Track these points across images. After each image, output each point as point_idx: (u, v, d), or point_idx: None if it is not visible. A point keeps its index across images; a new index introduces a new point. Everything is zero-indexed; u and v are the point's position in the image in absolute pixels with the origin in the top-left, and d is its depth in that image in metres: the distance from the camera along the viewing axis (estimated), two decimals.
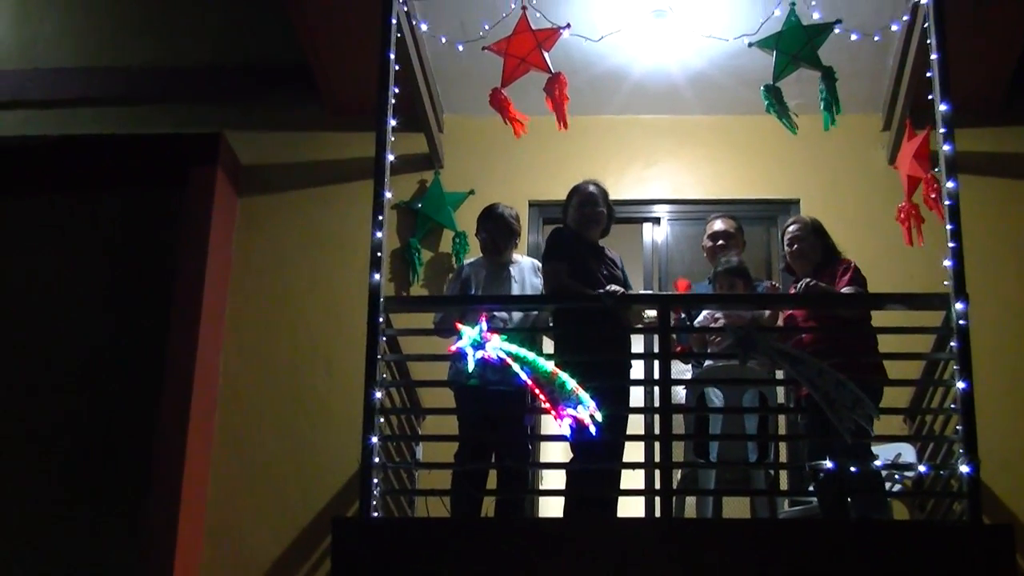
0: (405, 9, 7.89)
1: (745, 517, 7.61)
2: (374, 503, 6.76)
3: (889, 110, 8.81)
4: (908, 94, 8.31)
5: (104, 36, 9.87)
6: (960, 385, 6.65)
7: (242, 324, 8.90)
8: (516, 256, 8.00)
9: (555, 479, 8.97)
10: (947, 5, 7.34)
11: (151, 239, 9.08)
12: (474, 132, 9.12)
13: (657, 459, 6.98)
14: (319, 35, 8.61)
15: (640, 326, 7.75)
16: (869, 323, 7.32)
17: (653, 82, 8.89)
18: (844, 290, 7.24)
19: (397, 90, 7.60)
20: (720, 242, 8.07)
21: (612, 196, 7.76)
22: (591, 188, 7.67)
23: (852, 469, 6.76)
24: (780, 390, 7.65)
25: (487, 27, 7.81)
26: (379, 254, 7.15)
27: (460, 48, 8.02)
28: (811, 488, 7.40)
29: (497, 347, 6.85)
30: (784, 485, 8.00)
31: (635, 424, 7.78)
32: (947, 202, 7.01)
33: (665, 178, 9.17)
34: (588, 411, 6.69)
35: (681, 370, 7.80)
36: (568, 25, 7.76)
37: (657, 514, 6.94)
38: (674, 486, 7.18)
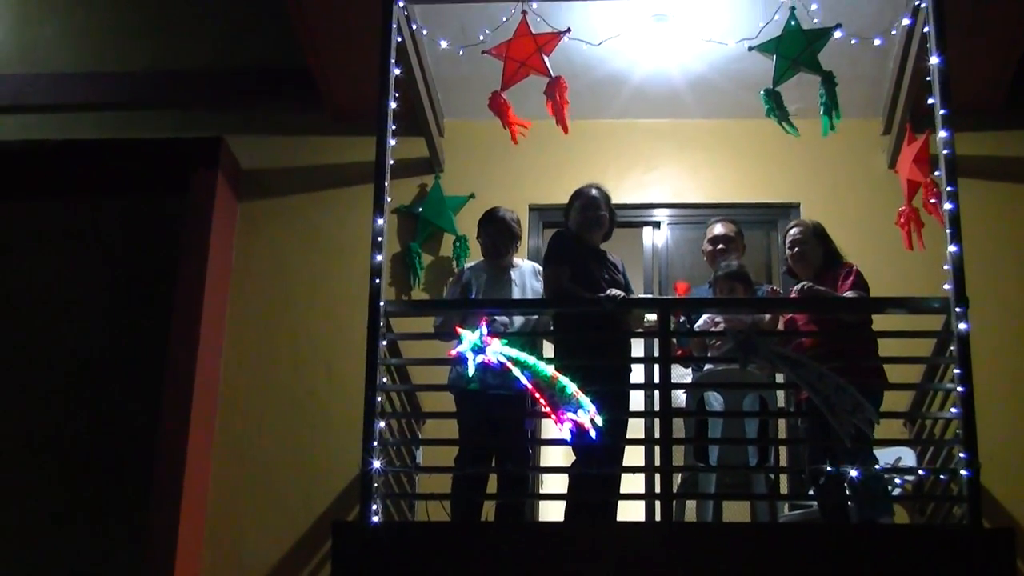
0: (405, 14, 7.89)
1: (745, 521, 7.60)
2: (374, 507, 6.75)
3: (889, 114, 8.82)
4: (908, 98, 8.31)
5: (104, 40, 9.88)
6: (960, 389, 6.66)
7: (243, 328, 8.91)
8: (517, 260, 8.00)
9: (555, 483, 8.97)
10: (947, 9, 7.34)
11: (152, 243, 9.08)
12: (474, 136, 9.13)
13: (657, 463, 6.98)
14: (320, 39, 8.62)
15: (641, 330, 7.76)
16: (870, 327, 7.32)
17: (653, 86, 8.89)
18: (846, 294, 7.25)
19: (397, 95, 7.60)
20: (720, 246, 8.08)
21: (612, 200, 7.76)
22: (593, 192, 7.68)
23: (853, 473, 6.76)
24: (780, 394, 7.65)
25: (487, 32, 7.81)
26: (379, 258, 7.16)
27: (460, 53, 8.02)
28: (811, 492, 7.41)
29: (497, 351, 6.85)
30: (784, 489, 8.00)
31: (635, 428, 7.78)
32: (947, 206, 7.02)
33: (665, 182, 9.17)
34: (588, 415, 6.70)
35: (681, 374, 7.80)
36: (568, 30, 7.76)
37: (657, 518, 6.94)
38: (674, 490, 7.17)
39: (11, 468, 8.64)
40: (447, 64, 8.56)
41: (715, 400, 7.40)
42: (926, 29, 7.41)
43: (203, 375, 8.52)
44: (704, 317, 7.69)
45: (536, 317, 7.65)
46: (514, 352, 6.86)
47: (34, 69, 9.80)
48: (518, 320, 7.62)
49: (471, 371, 6.89)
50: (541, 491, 8.46)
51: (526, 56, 7.69)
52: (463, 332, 6.89)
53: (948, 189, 7.02)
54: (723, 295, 7.67)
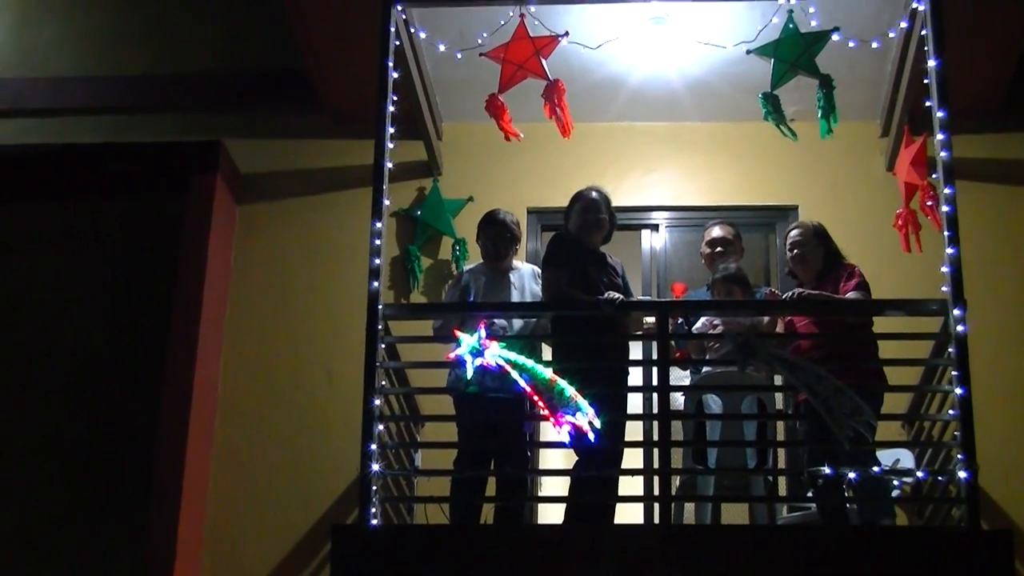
0: (404, 17, 7.90)
1: (744, 523, 7.60)
2: (373, 510, 6.76)
3: (887, 117, 8.83)
4: (906, 101, 8.32)
5: (103, 44, 9.89)
6: (958, 391, 6.66)
7: (242, 331, 8.91)
8: (516, 262, 8.01)
9: (554, 486, 8.98)
10: (945, 11, 7.35)
11: (151, 247, 9.08)
12: (473, 140, 9.13)
13: (656, 465, 6.99)
14: (318, 43, 8.63)
15: (640, 333, 7.76)
16: (869, 329, 7.33)
17: (651, 89, 8.90)
18: (849, 295, 7.26)
19: (396, 98, 7.61)
20: (718, 249, 8.09)
21: (611, 203, 7.77)
22: (593, 194, 7.69)
23: (852, 475, 6.77)
24: (779, 396, 7.66)
25: (485, 35, 7.81)
26: (378, 261, 7.17)
27: (459, 56, 8.03)
28: (810, 494, 7.42)
29: (496, 354, 6.86)
30: (783, 491, 8.00)
31: (634, 430, 7.78)
32: (945, 208, 7.02)
33: (664, 185, 9.17)
34: (587, 418, 6.71)
35: (680, 376, 7.80)
36: (567, 33, 7.77)
37: (656, 520, 6.96)
38: (673, 492, 7.17)
39: (11, 469, 8.64)
40: (445, 67, 8.56)
41: (714, 402, 7.41)
42: (924, 32, 7.42)
43: (202, 377, 8.52)
44: (702, 320, 7.71)
45: (535, 320, 7.65)
46: (512, 355, 6.86)
47: (33, 73, 9.81)
48: (517, 323, 7.62)
49: (470, 374, 6.90)
50: (540, 494, 8.48)
51: (524, 59, 7.69)
52: (461, 335, 6.90)
53: (946, 191, 7.03)
54: (721, 298, 7.68)
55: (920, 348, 7.24)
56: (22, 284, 9.12)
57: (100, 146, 9.17)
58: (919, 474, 7.11)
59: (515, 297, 7.80)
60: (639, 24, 8.18)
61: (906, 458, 7.49)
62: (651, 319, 7.57)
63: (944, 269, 6.93)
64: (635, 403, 7.99)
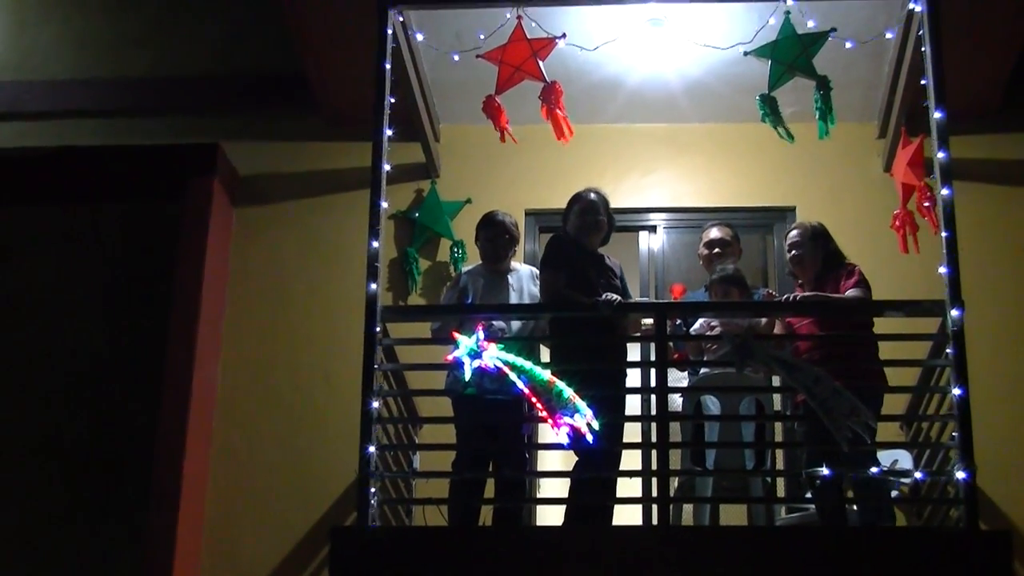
0: (401, 20, 7.90)
1: (742, 524, 7.61)
2: (372, 512, 6.76)
3: (884, 118, 8.82)
4: (903, 102, 8.32)
5: (101, 47, 9.89)
6: (956, 391, 6.67)
7: (240, 334, 8.91)
8: (515, 264, 8.01)
9: (553, 488, 8.98)
10: (942, 13, 7.36)
11: (149, 250, 9.08)
12: (470, 141, 9.13)
13: (654, 467, 6.99)
14: (316, 45, 8.63)
15: (638, 334, 7.76)
16: (870, 329, 7.33)
17: (649, 91, 8.90)
18: (849, 293, 7.26)
19: (393, 100, 7.61)
20: (716, 250, 8.09)
21: (609, 204, 7.77)
22: (592, 196, 7.68)
23: (851, 476, 6.78)
24: (777, 397, 7.66)
25: (483, 37, 7.82)
26: (376, 263, 7.17)
27: (456, 58, 8.04)
28: (808, 495, 7.42)
29: (494, 356, 6.86)
30: (781, 492, 8.01)
31: (632, 432, 7.78)
32: (942, 209, 7.03)
33: (661, 186, 9.18)
34: (585, 419, 6.71)
35: (678, 378, 7.80)
36: (564, 35, 7.77)
37: (654, 522, 6.96)
38: (671, 494, 7.18)
39: (10, 470, 8.63)
40: (443, 69, 8.57)
41: (712, 403, 7.41)
42: (920, 33, 7.43)
43: (201, 379, 8.52)
44: (700, 321, 7.71)
45: (534, 321, 7.65)
46: (510, 357, 6.87)
47: (31, 76, 9.81)
48: (515, 324, 7.62)
49: (468, 376, 6.90)
50: (538, 495, 8.48)
51: (521, 61, 7.70)
52: (459, 337, 6.90)
53: (943, 192, 7.04)
54: (718, 299, 7.68)
55: (918, 349, 7.24)
56: (21, 286, 9.12)
57: (98, 149, 9.18)
58: (917, 475, 7.12)
59: (513, 299, 7.80)
60: (637, 25, 8.18)
61: (904, 459, 7.50)
62: (649, 320, 7.57)
63: (942, 270, 6.94)
64: (633, 404, 7.99)
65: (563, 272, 7.42)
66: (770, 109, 7.64)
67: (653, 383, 7.08)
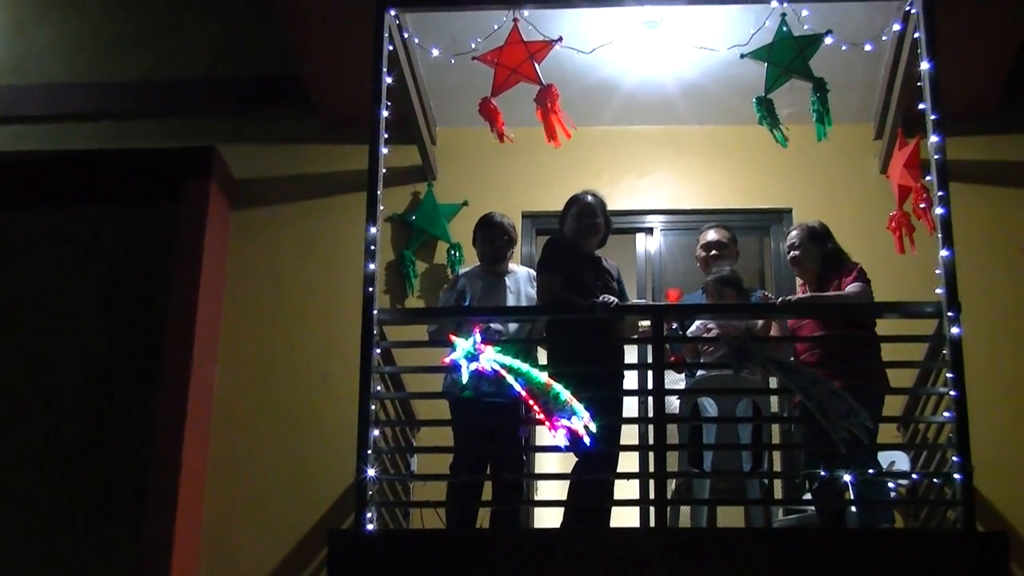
0: (397, 23, 7.89)
1: (739, 526, 7.61)
2: (369, 515, 6.76)
3: (881, 119, 8.83)
4: (900, 103, 8.33)
5: (97, 51, 9.89)
6: (953, 393, 6.67)
7: (237, 337, 8.91)
8: (512, 266, 8.01)
9: (550, 490, 8.98)
10: (938, 14, 7.37)
11: (145, 253, 9.07)
12: (467, 144, 9.14)
13: (651, 469, 6.99)
14: (312, 48, 8.63)
15: (636, 336, 7.76)
16: (871, 329, 7.32)
17: (646, 93, 8.90)
18: (849, 288, 7.26)
19: (390, 103, 7.62)
20: (713, 252, 8.10)
21: (606, 207, 7.78)
22: (589, 198, 7.68)
23: (848, 479, 6.78)
24: (774, 399, 7.66)
25: (479, 40, 7.82)
26: (373, 266, 7.18)
27: (452, 61, 8.04)
28: (806, 497, 7.42)
29: (491, 359, 6.86)
30: (778, 494, 8.01)
31: (630, 434, 7.79)
32: (939, 210, 7.04)
33: (658, 188, 9.18)
34: (582, 422, 6.71)
35: (675, 380, 7.80)
36: (560, 38, 7.77)
37: (652, 524, 6.96)
38: (669, 496, 7.18)
39: (8, 472, 8.63)
40: (439, 72, 8.57)
41: (709, 405, 7.42)
42: (917, 34, 7.44)
43: (198, 382, 8.52)
44: (697, 323, 7.71)
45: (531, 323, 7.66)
46: (508, 359, 6.87)
47: (27, 79, 9.81)
48: (512, 326, 7.62)
49: (465, 379, 6.90)
50: (536, 498, 8.48)
51: (517, 63, 7.70)
52: (456, 340, 6.90)
53: (939, 194, 7.04)
54: (713, 300, 7.68)
55: (915, 351, 7.24)
56: (18, 290, 9.11)
57: (94, 152, 9.17)
58: (914, 476, 7.12)
59: (511, 301, 7.80)
60: (633, 28, 8.19)
61: (901, 460, 7.50)
62: (646, 322, 7.57)
63: (938, 271, 6.94)
64: (631, 407, 7.99)
65: (560, 274, 7.42)
66: (767, 112, 7.65)
67: (650, 385, 7.08)
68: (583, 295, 7.32)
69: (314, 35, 8.50)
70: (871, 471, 6.87)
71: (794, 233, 7.66)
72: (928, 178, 7.35)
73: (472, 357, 6.85)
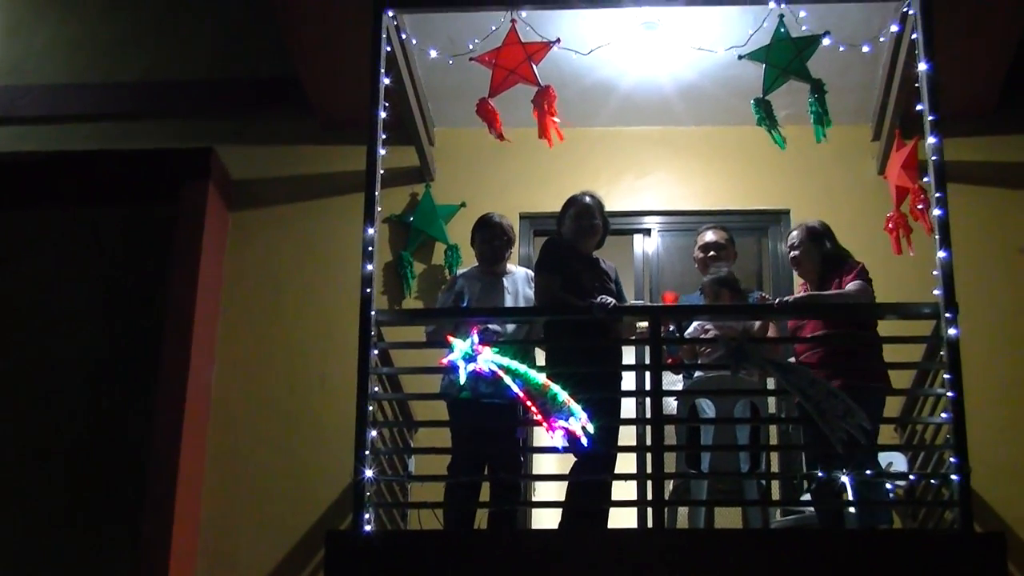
0: (395, 24, 7.90)
1: (737, 527, 7.62)
2: (367, 516, 6.76)
3: (879, 120, 8.84)
4: (898, 104, 8.33)
5: (96, 52, 9.89)
6: (950, 394, 6.67)
7: (234, 338, 8.91)
8: (510, 266, 8.01)
9: (548, 491, 8.98)
10: (936, 15, 7.37)
11: (143, 254, 9.07)
12: (465, 145, 9.14)
13: (649, 470, 6.99)
14: (310, 49, 8.63)
15: (634, 337, 7.76)
16: (873, 330, 7.32)
17: (643, 94, 8.91)
18: (848, 287, 7.26)
19: (387, 104, 7.62)
20: (711, 253, 8.08)
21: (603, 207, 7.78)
22: (587, 199, 7.68)
23: (845, 480, 6.78)
24: (772, 400, 7.67)
25: (477, 41, 7.83)
26: (370, 267, 7.18)
27: (450, 62, 8.04)
28: (805, 497, 7.42)
29: (489, 360, 6.86)
30: (776, 495, 8.02)
31: (627, 435, 7.79)
32: (936, 211, 7.04)
33: (656, 189, 9.18)
34: (580, 423, 6.71)
35: (672, 381, 7.80)
36: (558, 40, 7.78)
37: (650, 525, 6.96)
38: (666, 497, 7.18)
39: (6, 474, 8.63)
40: (437, 73, 8.57)
41: (707, 406, 7.42)
42: (914, 35, 7.44)
43: (195, 384, 8.52)
44: (695, 324, 7.71)
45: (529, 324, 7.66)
46: (505, 360, 6.87)
47: (25, 80, 9.81)
48: (511, 327, 7.62)
49: (463, 380, 6.91)
50: (534, 499, 8.48)
51: (515, 64, 7.71)
52: (454, 341, 6.90)
53: (937, 195, 7.05)
54: (709, 301, 7.68)
55: (913, 351, 7.25)
56: (16, 290, 9.11)
57: (92, 153, 9.16)
58: (912, 477, 7.12)
59: (509, 301, 7.79)
60: (631, 29, 8.19)
61: (899, 461, 7.50)
62: (644, 323, 7.57)
63: (935, 272, 6.94)
64: (629, 407, 7.99)
65: (558, 275, 7.42)
66: (765, 113, 7.65)
67: (648, 386, 7.08)
68: (581, 296, 7.32)
69: (312, 36, 8.50)
70: (869, 472, 6.86)
71: (794, 233, 7.67)
72: (926, 179, 7.35)
73: (470, 358, 6.86)
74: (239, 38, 9.75)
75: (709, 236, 8.16)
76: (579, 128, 8.85)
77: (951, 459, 6.62)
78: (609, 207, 7.86)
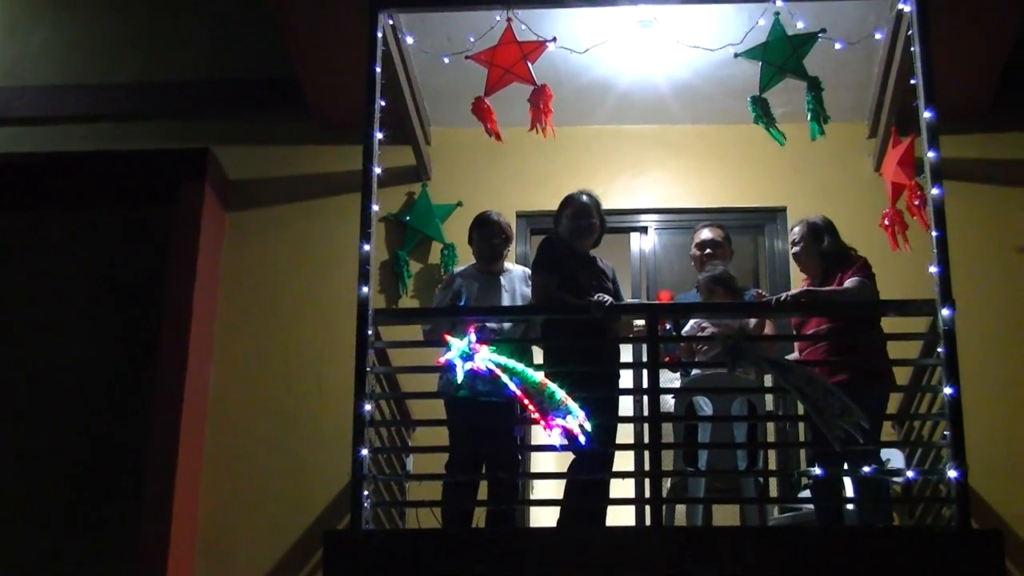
0: (391, 23, 7.90)
1: (735, 524, 7.62)
2: (365, 515, 6.76)
3: (875, 118, 8.84)
4: (893, 102, 8.34)
5: (92, 53, 9.89)
6: (947, 390, 6.67)
7: (232, 338, 8.91)
8: (508, 265, 8.01)
9: (546, 489, 8.98)
10: (932, 12, 7.37)
11: (140, 255, 9.07)
12: (461, 144, 9.14)
13: (647, 468, 7.00)
14: (306, 49, 8.63)
15: (631, 335, 7.77)
16: (876, 326, 7.32)
17: (639, 92, 8.91)
18: (847, 283, 7.25)
19: (384, 103, 7.61)
20: (708, 251, 8.09)
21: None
22: (584, 199, 7.68)
23: (845, 478, 6.79)
24: (769, 398, 7.67)
25: (473, 40, 7.83)
26: (367, 267, 7.17)
27: (446, 61, 8.05)
28: (803, 495, 7.43)
29: (486, 358, 6.86)
30: (773, 492, 8.02)
31: (625, 433, 7.79)
32: (932, 208, 7.04)
33: (652, 188, 9.18)
34: (577, 421, 6.71)
35: (670, 379, 7.81)
36: (554, 39, 7.78)
37: (647, 523, 6.96)
38: (664, 494, 7.18)
39: (5, 474, 8.63)
40: (433, 73, 8.58)
41: (704, 404, 7.42)
42: (910, 33, 7.44)
43: (193, 385, 8.52)
44: (692, 322, 7.71)
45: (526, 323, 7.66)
46: (503, 359, 6.87)
47: (21, 82, 9.80)
48: (508, 325, 7.62)
49: (460, 378, 6.91)
50: (531, 497, 8.48)
51: (511, 63, 7.71)
52: (451, 339, 6.90)
53: (934, 192, 7.05)
54: (704, 298, 7.69)
55: (910, 348, 7.25)
56: (11, 292, 9.11)
57: (89, 154, 9.16)
58: (909, 474, 7.13)
59: (506, 300, 7.80)
60: (626, 28, 8.19)
61: (896, 458, 7.51)
62: (641, 322, 7.58)
63: (932, 269, 6.94)
64: (626, 406, 8.00)
65: (555, 274, 7.42)
66: (762, 111, 7.65)
67: (645, 384, 7.09)
68: (578, 295, 7.33)
69: (308, 36, 8.50)
70: (867, 469, 6.86)
71: (796, 229, 7.67)
72: (922, 176, 7.35)
73: (467, 357, 6.85)
74: (236, 38, 9.75)
75: (705, 234, 8.16)
76: (575, 127, 8.86)
77: (948, 456, 6.61)
78: (606, 205, 7.86)
